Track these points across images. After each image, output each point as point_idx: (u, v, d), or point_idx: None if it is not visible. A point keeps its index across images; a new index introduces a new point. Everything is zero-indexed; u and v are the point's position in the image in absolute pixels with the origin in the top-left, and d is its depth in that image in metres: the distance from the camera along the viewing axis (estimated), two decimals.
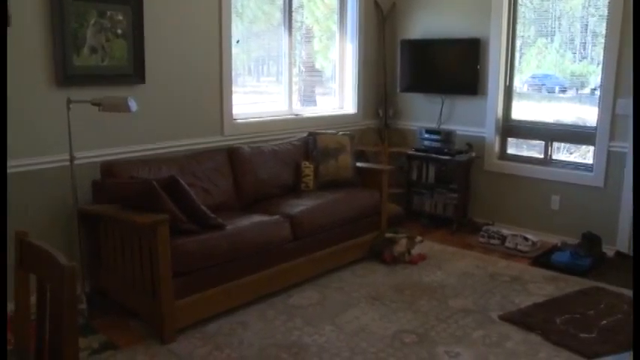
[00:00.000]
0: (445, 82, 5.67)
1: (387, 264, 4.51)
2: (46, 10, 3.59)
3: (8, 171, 3.53)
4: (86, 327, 3.44)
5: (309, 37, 5.65)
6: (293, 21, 5.29)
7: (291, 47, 5.30)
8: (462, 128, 5.57)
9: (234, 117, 4.78)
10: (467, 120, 5.59)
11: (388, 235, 4.65)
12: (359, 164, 4.89)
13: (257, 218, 3.89)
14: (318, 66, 5.88)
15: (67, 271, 1.68)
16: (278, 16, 5.24)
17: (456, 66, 5.58)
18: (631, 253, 4.54)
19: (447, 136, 5.49)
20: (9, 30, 3.43)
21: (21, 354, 1.92)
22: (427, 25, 5.78)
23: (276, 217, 3.96)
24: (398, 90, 6.02)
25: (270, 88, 5.39)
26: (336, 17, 5.80)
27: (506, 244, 4.93)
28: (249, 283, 3.70)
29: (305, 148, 4.81)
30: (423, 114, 5.93)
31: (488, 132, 5.45)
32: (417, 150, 5.67)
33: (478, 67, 5.35)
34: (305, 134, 4.95)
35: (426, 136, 5.63)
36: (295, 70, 5.42)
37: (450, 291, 4.05)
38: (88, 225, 3.69)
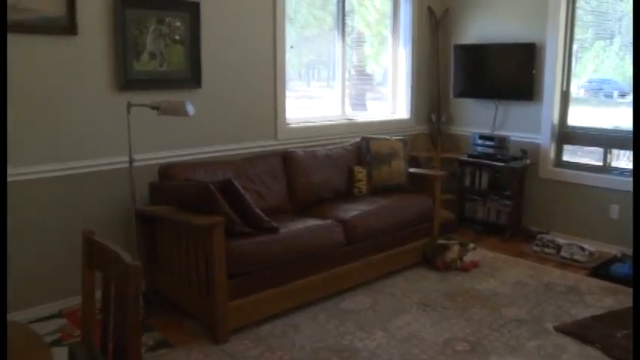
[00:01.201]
0: (499, 87, 5.59)
1: (439, 270, 4.47)
2: (109, 19, 3.72)
3: (73, 172, 3.68)
4: (142, 324, 3.52)
5: (360, 42, 5.66)
6: (346, 26, 5.32)
7: (344, 52, 5.32)
8: (516, 134, 5.47)
9: (288, 121, 4.83)
10: (521, 126, 5.49)
11: (440, 241, 4.61)
12: (412, 170, 4.86)
13: (310, 222, 3.91)
14: (368, 70, 5.88)
15: (132, 270, 1.73)
16: (329, 20, 5.28)
17: (511, 71, 5.49)
18: None
19: (501, 142, 5.40)
20: (75, 39, 3.58)
21: (88, 345, 1.99)
22: (481, 30, 5.71)
23: (329, 221, 3.97)
24: (451, 95, 5.96)
25: (321, 93, 5.42)
26: (388, 22, 5.80)
27: (562, 253, 4.81)
28: (302, 286, 3.73)
29: (358, 153, 4.81)
30: (476, 119, 5.85)
31: (544, 138, 5.34)
32: (469, 156, 5.60)
33: (533, 71, 5.25)
34: (358, 139, 4.96)
35: (480, 142, 5.55)
36: (346, 75, 5.44)
37: (502, 299, 3.98)
38: (145, 225, 3.79)
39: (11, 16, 3.28)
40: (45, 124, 3.56)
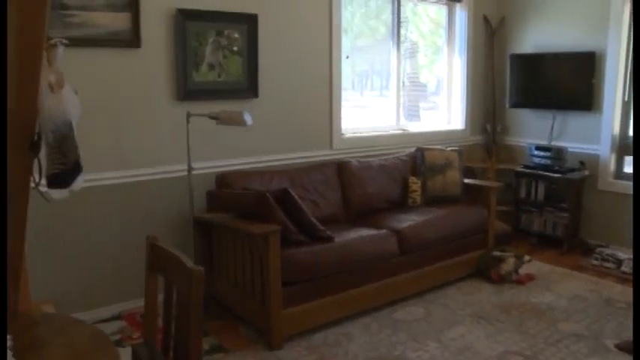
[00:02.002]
0: (557, 97, 5.48)
1: (493, 283, 4.41)
2: (170, 31, 3.85)
3: (136, 179, 3.81)
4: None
5: (413, 52, 5.65)
6: (401, 36, 5.33)
7: (399, 62, 5.33)
8: (574, 145, 5.35)
9: (343, 131, 4.87)
10: (579, 137, 5.36)
11: (495, 253, 4.55)
12: (466, 180, 4.82)
13: (365, 232, 3.93)
14: (422, 80, 5.86)
15: (195, 275, 1.78)
16: (383, 30, 5.30)
17: (569, 80, 5.37)
18: None
19: (558, 153, 5.29)
20: (139, 51, 3.72)
21: (149, 347, 2.06)
22: (538, 39, 5.62)
23: (384, 231, 3.98)
24: (507, 105, 5.88)
25: (374, 102, 5.43)
26: (442, 32, 5.78)
27: (623, 268, 4.67)
28: (356, 295, 3.74)
29: (413, 164, 4.81)
30: (532, 130, 5.76)
31: (603, 149, 5.20)
32: (526, 167, 5.51)
33: (593, 81, 5.13)
34: (412, 149, 4.95)
35: (536, 152, 5.46)
36: (400, 85, 5.44)
37: (559, 314, 3.89)
38: (202, 232, 3.88)
39: (80, 32, 3.45)
40: (112, 133, 3.70)
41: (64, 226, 3.58)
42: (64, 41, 1.34)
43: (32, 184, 1.56)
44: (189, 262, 1.86)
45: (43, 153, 1.49)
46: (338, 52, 4.72)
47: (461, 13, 5.73)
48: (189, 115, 3.65)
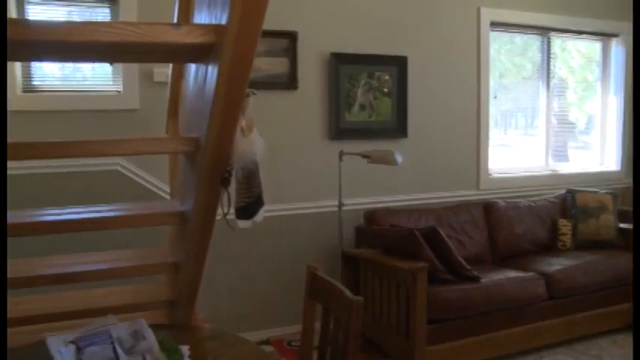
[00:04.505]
0: None
1: None
2: (324, 74, 4.10)
3: (291, 212, 4.06)
4: None
5: (562, 89, 5.49)
6: (550, 73, 5.22)
7: (549, 100, 5.22)
8: None
9: (490, 171, 4.84)
10: None
11: None
12: (622, 225, 4.57)
13: (511, 273, 3.87)
14: (571, 118, 5.66)
15: (355, 305, 1.89)
16: (529, 67, 5.22)
17: None
18: None
19: None
20: (295, 92, 4.01)
21: None
22: None
23: (531, 274, 3.89)
24: None
25: (519, 141, 5.33)
26: (595, 67, 5.58)
27: None
28: (500, 337, 3.68)
29: (562, 206, 4.66)
30: None
31: None
32: None
33: None
34: (562, 191, 4.80)
35: None
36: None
37: None
38: (350, 265, 4.02)
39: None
40: (270, 168, 3.99)
41: (222, 254, 3.89)
42: (255, 92, 1.55)
43: (219, 215, 1.77)
44: (349, 293, 1.98)
45: (232, 187, 1.70)
46: (485, 91, 4.74)
47: (616, 47, 5.51)
48: (342, 153, 3.84)
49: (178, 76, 2.69)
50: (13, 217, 1.96)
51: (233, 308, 3.95)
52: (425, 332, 3.36)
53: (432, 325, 3.41)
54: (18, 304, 2.24)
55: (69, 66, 3.69)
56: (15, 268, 2.14)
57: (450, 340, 3.50)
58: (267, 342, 3.97)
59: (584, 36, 5.41)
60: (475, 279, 3.63)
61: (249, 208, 1.68)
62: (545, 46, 5.20)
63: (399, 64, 4.32)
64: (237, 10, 1.29)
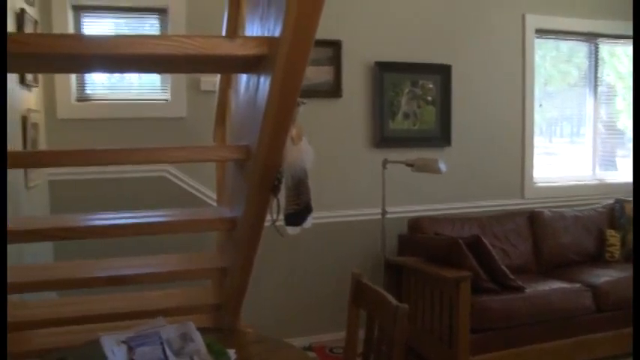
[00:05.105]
0: None
1: None
2: (368, 82, 4.14)
3: (331, 220, 4.09)
4: None
5: (610, 95, 5.38)
6: (598, 79, 5.13)
7: (596, 108, 5.12)
8: None
9: (535, 180, 4.78)
10: None
11: None
12: None
13: (557, 284, 3.81)
14: (620, 126, 5.52)
15: (401, 312, 1.91)
16: (575, 74, 5.13)
17: None
18: None
19: None
20: (340, 100, 4.04)
21: None
22: None
23: (578, 285, 3.82)
24: None
25: (564, 149, 5.24)
26: None
27: None
28: (545, 349, 3.62)
29: (610, 216, 4.58)
30: None
31: None
32: None
33: None
34: (610, 201, 4.71)
35: None
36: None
37: None
38: (392, 274, 4.01)
39: None
40: (316, 175, 4.01)
41: (267, 259, 3.94)
42: (304, 102, 1.59)
43: (268, 222, 1.82)
44: (393, 300, 2.00)
45: (281, 194, 1.74)
46: (530, 99, 4.69)
47: None
48: (385, 161, 3.85)
49: (226, 85, 2.75)
50: (69, 220, 2.04)
51: (276, 313, 4.00)
52: (468, 342, 3.34)
53: (476, 335, 3.38)
54: (74, 304, 2.33)
55: (117, 75, 3.81)
56: (72, 269, 2.23)
57: (493, 350, 3.46)
58: (309, 348, 4.00)
59: None
60: (519, 289, 3.59)
61: (298, 215, 1.72)
62: (593, 52, 5.11)
63: (442, 73, 4.32)
64: (291, 22, 1.33)
